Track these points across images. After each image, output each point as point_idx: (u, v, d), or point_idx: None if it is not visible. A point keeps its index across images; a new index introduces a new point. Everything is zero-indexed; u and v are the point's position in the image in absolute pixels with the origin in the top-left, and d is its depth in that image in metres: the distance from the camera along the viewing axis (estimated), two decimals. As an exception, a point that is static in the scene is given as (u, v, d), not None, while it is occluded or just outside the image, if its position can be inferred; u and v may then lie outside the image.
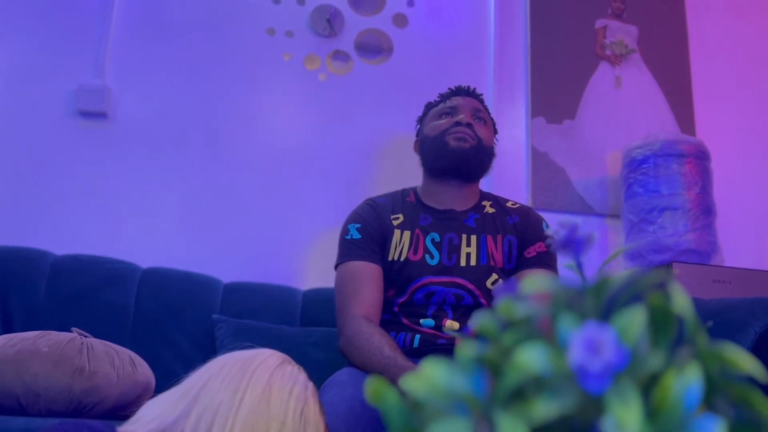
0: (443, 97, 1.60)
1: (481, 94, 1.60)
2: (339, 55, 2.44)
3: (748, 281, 2.02)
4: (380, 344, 1.31)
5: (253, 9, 2.40)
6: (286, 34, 2.42)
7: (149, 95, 2.26)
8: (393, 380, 1.27)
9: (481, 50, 2.54)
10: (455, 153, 1.50)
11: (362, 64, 2.44)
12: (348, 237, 1.52)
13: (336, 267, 1.52)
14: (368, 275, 1.46)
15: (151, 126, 2.23)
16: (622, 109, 2.57)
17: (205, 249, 2.15)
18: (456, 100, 1.56)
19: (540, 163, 2.44)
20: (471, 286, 1.48)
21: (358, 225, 1.52)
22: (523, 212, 1.57)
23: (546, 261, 1.50)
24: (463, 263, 1.49)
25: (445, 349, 1.44)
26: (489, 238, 1.52)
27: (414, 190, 1.64)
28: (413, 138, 2.36)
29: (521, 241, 1.52)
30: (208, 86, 2.30)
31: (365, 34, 2.48)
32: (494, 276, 1.49)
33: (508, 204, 1.60)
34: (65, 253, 1.93)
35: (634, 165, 2.26)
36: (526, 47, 2.57)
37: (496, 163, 2.27)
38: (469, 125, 1.51)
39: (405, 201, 1.58)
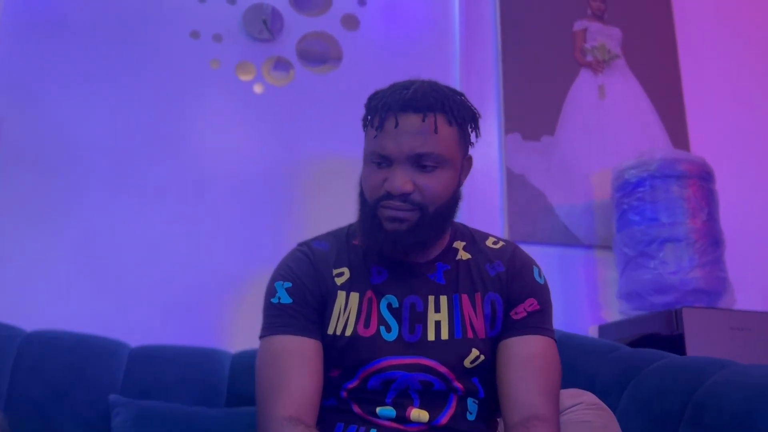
0: (378, 118, 1.08)
1: (442, 96, 1.07)
2: (278, 63, 2.06)
3: (769, 326, 1.70)
4: None
5: (174, 8, 2.01)
6: (213, 38, 2.03)
7: (41, 112, 1.84)
8: None
9: (444, 56, 2.19)
10: (389, 237, 1.08)
11: (306, 72, 2.07)
12: (274, 300, 1.12)
13: (259, 339, 1.13)
14: (300, 356, 1.07)
15: (43, 150, 1.81)
16: (607, 122, 2.24)
17: (107, 304, 1.74)
18: (389, 140, 1.06)
19: (516, 186, 2.09)
20: (443, 369, 1.10)
21: (289, 284, 1.13)
22: (508, 256, 1.18)
23: (538, 323, 1.13)
24: (431, 337, 1.11)
25: None
26: (465, 298, 1.14)
27: None
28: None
29: (507, 299, 1.15)
30: (115, 101, 1.89)
31: (309, 38, 2.10)
32: (474, 352, 1.11)
33: (488, 243, 1.21)
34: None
35: (628, 188, 1.93)
36: (496, 52, 2.23)
37: (466, 187, 1.91)
38: (404, 196, 1.06)
39: (351, 246, 1.18)
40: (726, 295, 1.82)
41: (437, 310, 1.13)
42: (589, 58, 2.29)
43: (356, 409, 1.09)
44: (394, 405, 1.09)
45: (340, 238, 1.19)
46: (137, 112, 1.90)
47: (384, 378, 1.09)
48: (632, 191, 1.91)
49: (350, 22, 2.15)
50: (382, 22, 2.18)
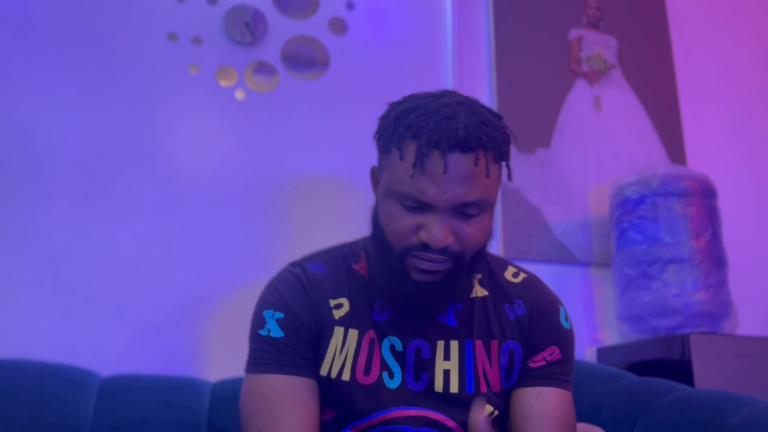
0: (418, 155, 0.87)
1: (492, 130, 0.89)
2: (262, 68, 1.94)
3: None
4: None
5: (149, 8, 1.88)
6: (192, 41, 1.90)
7: (0, 119, 1.69)
8: None
9: (435, 63, 2.09)
10: (420, 288, 0.92)
11: (291, 78, 1.95)
12: (263, 332, 0.97)
13: (245, 373, 1.00)
14: (294, 398, 0.94)
15: (2, 161, 1.66)
16: (604, 135, 2.16)
17: (74, 329, 1.59)
18: (432, 186, 0.87)
19: (511, 201, 2.00)
20: (452, 424, 0.98)
21: (280, 315, 0.98)
22: (531, 294, 1.03)
23: (558, 374, 1.01)
24: (438, 388, 0.98)
25: None
26: (479, 345, 1.00)
27: (366, 251, 1.04)
28: (355, 171, 1.90)
29: (527, 346, 1.02)
30: (84, 107, 1.75)
31: (294, 43, 1.99)
32: (488, 409, 0.99)
33: (508, 275, 1.06)
34: None
35: (628, 206, 1.85)
36: (489, 60, 2.14)
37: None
38: (443, 249, 0.89)
39: (351, 273, 1.02)
40: (730, 318, 1.75)
41: (447, 357, 0.99)
42: (585, 68, 2.21)
43: None
44: None
45: (338, 260, 1.04)
46: (108, 119, 1.76)
47: (385, 431, 0.97)
48: (633, 209, 1.83)
49: (338, 26, 2.04)
50: (372, 27, 2.07)
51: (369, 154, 1.16)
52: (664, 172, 1.82)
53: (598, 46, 2.25)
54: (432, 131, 0.87)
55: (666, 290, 1.73)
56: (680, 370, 1.56)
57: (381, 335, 0.99)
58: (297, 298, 0.98)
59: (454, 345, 1.00)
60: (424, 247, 0.89)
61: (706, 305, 1.70)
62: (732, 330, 1.75)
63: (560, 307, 1.05)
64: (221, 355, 1.66)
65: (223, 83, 1.89)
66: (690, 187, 1.80)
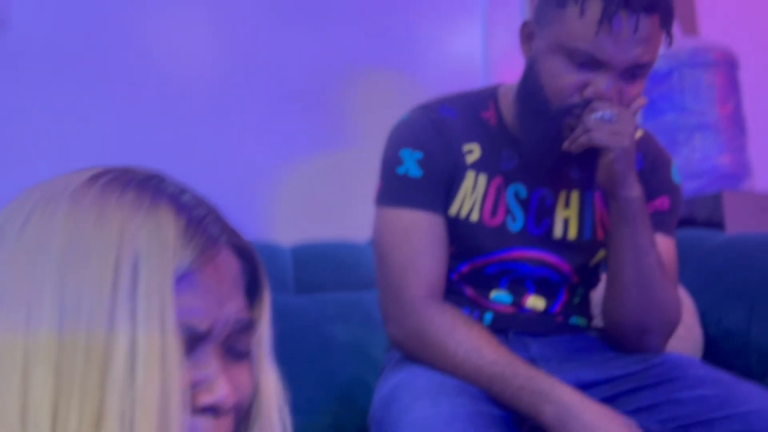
0: (604, 11, 0.89)
1: (665, 4, 0.92)
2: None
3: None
4: (475, 343, 0.95)
5: None
6: None
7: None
8: (510, 398, 0.93)
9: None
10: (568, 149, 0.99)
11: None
12: (400, 171, 1.03)
13: (378, 207, 1.06)
14: (431, 233, 1.03)
15: (63, 37, 1.67)
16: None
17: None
18: (612, 44, 0.90)
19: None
20: (566, 268, 1.08)
21: (419, 155, 1.03)
22: (647, 149, 1.10)
23: (664, 224, 1.09)
24: (557, 234, 1.07)
25: (528, 330, 1.08)
26: (599, 196, 1.08)
27: (494, 98, 1.09)
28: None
29: None
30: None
31: None
32: (601, 253, 1.09)
33: None
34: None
35: (657, 78, 1.95)
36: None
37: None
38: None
39: (481, 121, 1.07)
40: (747, 179, 1.91)
41: (567, 205, 1.07)
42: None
43: (468, 292, 1.08)
44: (510, 291, 1.08)
45: (468, 107, 1.08)
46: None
47: (503, 267, 1.07)
48: (662, 80, 1.94)
49: None
50: None
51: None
52: (694, 44, 1.92)
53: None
54: None
55: (693, 155, 1.87)
56: (714, 227, 1.71)
57: (507, 182, 1.06)
58: (433, 140, 1.04)
59: (575, 194, 1.08)
60: (587, 103, 0.94)
61: (728, 168, 1.86)
62: (751, 189, 1.91)
63: (673, 163, 1.13)
64: (283, 224, 1.76)
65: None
66: (716, 58, 1.91)
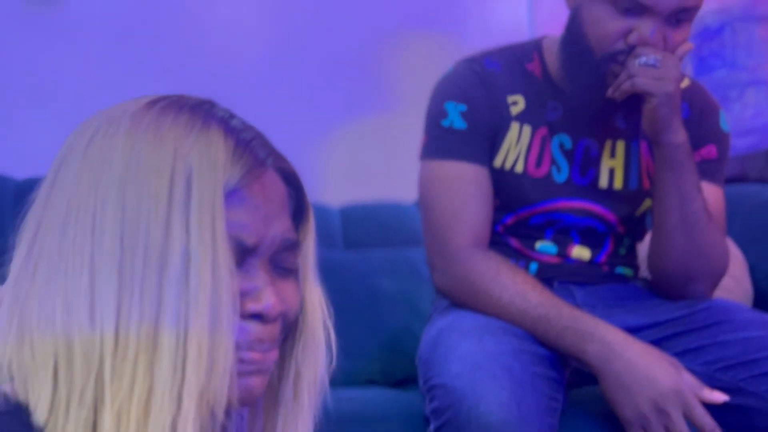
0: None
1: None
2: None
3: None
4: (520, 287, 0.97)
5: None
6: None
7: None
8: (554, 339, 0.95)
9: None
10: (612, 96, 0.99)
11: None
12: (446, 123, 1.05)
13: (423, 160, 1.09)
14: (476, 184, 1.05)
15: (117, 11, 1.74)
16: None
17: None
18: None
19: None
20: (611, 217, 1.09)
21: (463, 107, 1.05)
22: (697, 97, 1.10)
23: (711, 172, 1.08)
24: (603, 184, 1.08)
25: (574, 280, 1.09)
26: (644, 145, 1.09)
27: (539, 50, 1.11)
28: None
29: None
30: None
31: None
32: (647, 203, 1.10)
33: None
34: (27, 176, 1.50)
35: (708, 34, 1.91)
36: None
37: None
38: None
39: (526, 72, 1.09)
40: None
41: (612, 155, 1.08)
42: None
43: (514, 243, 1.10)
44: (555, 241, 1.09)
45: (512, 59, 1.10)
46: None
47: (548, 218, 1.08)
48: (713, 36, 1.90)
49: None
50: None
51: None
52: (745, -2, 1.87)
53: None
54: None
55: (745, 112, 1.83)
56: (764, 184, 1.68)
57: (552, 133, 1.08)
58: (478, 93, 1.06)
59: (621, 144, 1.09)
60: (630, 49, 0.95)
61: (783, 124, 1.81)
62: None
63: (721, 111, 1.12)
64: (333, 185, 1.80)
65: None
66: (769, 11, 1.86)
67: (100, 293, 0.46)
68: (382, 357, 1.28)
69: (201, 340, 0.45)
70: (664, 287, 1.09)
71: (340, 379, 1.24)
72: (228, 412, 0.50)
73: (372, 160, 1.87)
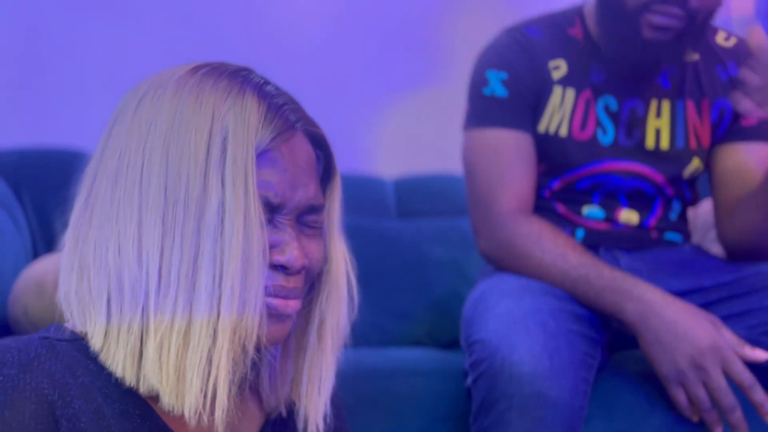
0: None
1: None
2: None
3: None
4: (561, 249, 0.99)
5: None
6: None
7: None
8: (594, 299, 0.96)
9: None
10: (648, 47, 0.98)
11: None
12: (487, 91, 1.07)
13: (465, 130, 1.11)
14: (519, 151, 1.07)
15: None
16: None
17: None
18: None
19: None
20: (659, 178, 1.08)
21: (504, 75, 1.07)
22: (744, 56, 1.04)
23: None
24: (649, 145, 1.07)
25: (621, 246, 1.10)
26: (690, 104, 1.08)
27: (581, 15, 1.11)
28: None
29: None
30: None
31: None
32: (695, 163, 1.09)
33: (719, 39, 1.09)
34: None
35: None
36: None
37: None
38: (683, 2, 0.92)
39: (568, 37, 1.09)
40: None
41: (658, 115, 1.08)
42: None
43: (560, 209, 1.11)
44: (602, 205, 1.09)
45: (553, 25, 1.11)
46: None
47: (595, 181, 1.09)
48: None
49: None
50: None
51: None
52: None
53: None
54: None
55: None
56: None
57: (596, 95, 1.08)
58: (518, 60, 1.08)
59: (666, 104, 1.08)
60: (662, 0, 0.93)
61: None
62: None
63: None
64: (387, 157, 1.84)
65: None
66: None
67: (146, 238, 0.52)
68: (431, 319, 1.32)
69: (234, 281, 0.51)
70: (738, 251, 1.06)
71: (389, 339, 1.30)
72: (258, 349, 0.55)
73: (425, 132, 1.89)
